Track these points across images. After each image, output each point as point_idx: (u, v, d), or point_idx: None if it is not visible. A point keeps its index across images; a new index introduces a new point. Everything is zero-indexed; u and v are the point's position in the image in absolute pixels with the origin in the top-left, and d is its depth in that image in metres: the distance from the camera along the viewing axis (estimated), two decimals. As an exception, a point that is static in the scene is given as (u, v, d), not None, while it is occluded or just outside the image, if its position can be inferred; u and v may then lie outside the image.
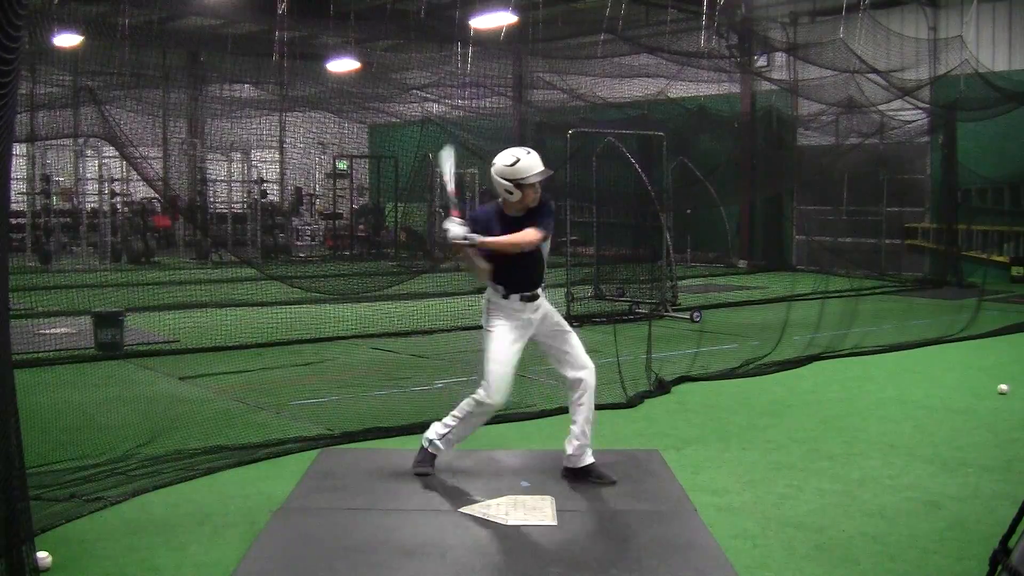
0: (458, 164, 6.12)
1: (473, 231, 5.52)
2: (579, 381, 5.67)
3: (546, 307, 5.77)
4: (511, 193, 5.53)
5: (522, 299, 5.62)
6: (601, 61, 18.95)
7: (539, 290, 5.71)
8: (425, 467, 5.80)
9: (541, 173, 5.52)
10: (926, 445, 6.85)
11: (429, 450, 5.82)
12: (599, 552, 4.66)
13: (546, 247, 5.76)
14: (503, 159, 5.53)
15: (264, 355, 10.54)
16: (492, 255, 5.59)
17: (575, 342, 5.76)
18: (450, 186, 5.83)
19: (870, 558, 4.67)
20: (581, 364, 5.69)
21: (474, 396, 5.67)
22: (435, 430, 5.80)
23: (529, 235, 5.51)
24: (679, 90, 20.97)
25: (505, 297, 5.62)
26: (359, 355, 10.73)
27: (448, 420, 5.77)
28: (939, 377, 9.60)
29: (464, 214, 5.64)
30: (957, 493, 5.71)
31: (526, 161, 5.50)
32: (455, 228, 5.48)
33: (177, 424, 7.21)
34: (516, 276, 5.62)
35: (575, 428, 5.69)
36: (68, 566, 4.49)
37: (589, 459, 5.72)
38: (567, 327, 5.82)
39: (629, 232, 16.28)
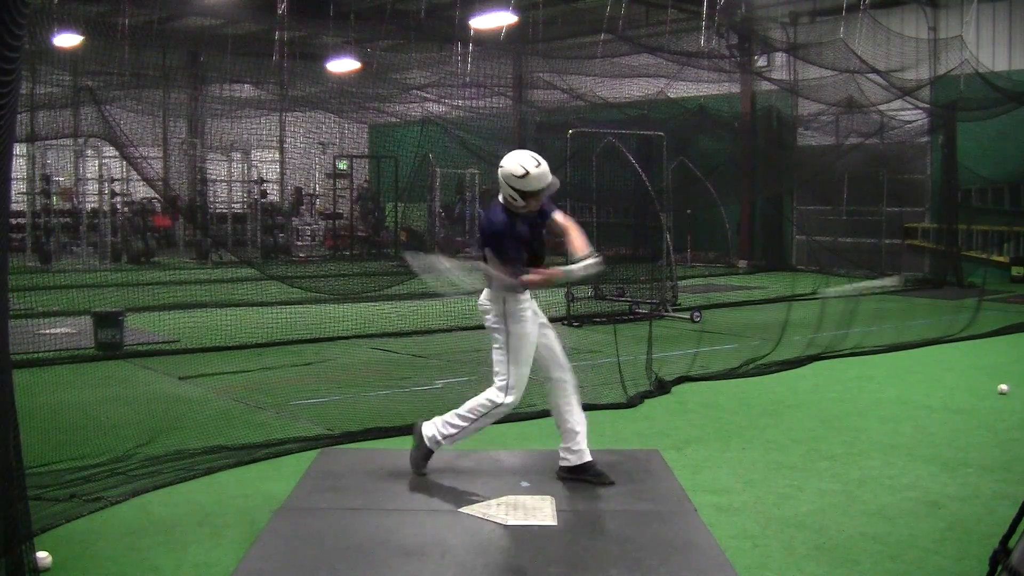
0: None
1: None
2: (565, 381, 5.70)
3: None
4: (515, 200, 5.48)
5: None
6: (601, 61, 18.94)
7: None
8: (423, 467, 5.78)
9: (550, 185, 5.49)
10: (926, 445, 6.85)
11: (431, 448, 5.74)
12: (599, 552, 4.66)
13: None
14: (513, 168, 5.42)
15: (264, 355, 10.54)
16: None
17: (559, 343, 5.79)
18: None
19: (870, 558, 4.67)
20: (563, 364, 5.72)
21: (489, 397, 5.59)
22: (441, 431, 5.69)
23: (572, 223, 5.72)
24: (679, 90, 20.97)
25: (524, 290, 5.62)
26: (359, 355, 10.73)
27: (457, 421, 5.67)
28: (939, 377, 9.60)
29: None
30: (957, 493, 5.71)
31: (535, 173, 5.40)
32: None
33: (177, 424, 7.21)
34: (534, 266, 5.61)
35: (577, 428, 5.67)
36: (68, 566, 4.50)
37: (588, 456, 5.72)
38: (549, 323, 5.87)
39: (629, 232, 16.29)
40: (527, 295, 5.65)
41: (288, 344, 11.17)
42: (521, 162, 5.42)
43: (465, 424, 5.67)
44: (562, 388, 5.70)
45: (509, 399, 5.56)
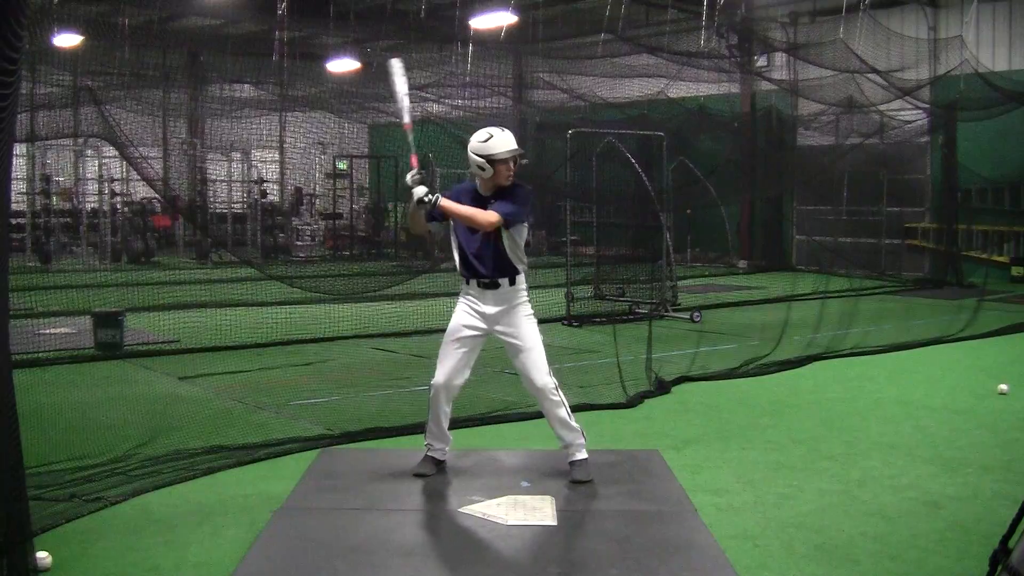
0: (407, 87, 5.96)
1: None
2: (538, 401, 5.77)
3: (513, 311, 5.65)
4: (483, 169, 5.58)
5: (479, 284, 5.66)
6: (601, 61, 18.93)
7: (501, 281, 5.62)
8: (421, 468, 5.82)
9: (512, 151, 5.56)
10: (926, 445, 6.85)
11: (427, 453, 5.88)
12: (599, 552, 4.66)
13: (519, 238, 5.64)
14: (477, 136, 5.61)
15: (264, 355, 10.54)
16: (455, 229, 5.73)
17: (527, 361, 5.61)
18: (405, 117, 5.71)
19: (870, 558, 4.67)
20: (530, 384, 5.68)
21: None
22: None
23: (486, 215, 5.51)
24: (679, 90, 20.96)
25: (466, 282, 5.74)
26: (359, 355, 10.73)
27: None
28: (939, 377, 9.59)
29: (420, 160, 5.67)
30: (957, 493, 5.71)
31: (499, 138, 5.57)
32: (419, 188, 5.47)
33: (177, 424, 7.21)
34: (469, 260, 5.68)
35: (565, 440, 5.79)
36: (68, 566, 4.49)
37: (577, 455, 5.76)
38: (525, 343, 5.63)
39: (629, 232, 16.26)
40: (472, 295, 5.71)
41: (288, 344, 11.17)
42: (486, 129, 5.64)
43: (429, 415, 5.83)
44: (541, 404, 5.75)
45: (434, 378, 5.79)
